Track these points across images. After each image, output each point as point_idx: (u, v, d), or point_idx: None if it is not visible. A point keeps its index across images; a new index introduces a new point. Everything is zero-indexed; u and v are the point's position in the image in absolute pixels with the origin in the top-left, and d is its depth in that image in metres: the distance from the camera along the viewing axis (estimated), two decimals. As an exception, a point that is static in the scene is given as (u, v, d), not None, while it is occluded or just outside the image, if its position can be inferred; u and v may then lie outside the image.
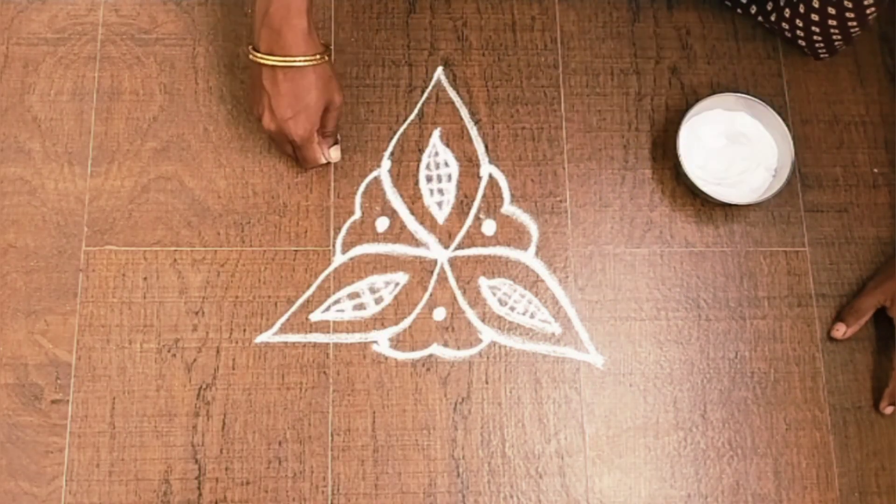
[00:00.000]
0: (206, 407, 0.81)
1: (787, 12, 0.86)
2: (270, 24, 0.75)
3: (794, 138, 0.87)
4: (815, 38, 0.86)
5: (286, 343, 0.83)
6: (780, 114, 0.87)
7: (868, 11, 0.79)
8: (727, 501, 0.81)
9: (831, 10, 0.81)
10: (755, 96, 0.88)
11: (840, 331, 0.84)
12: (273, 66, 0.76)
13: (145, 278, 0.84)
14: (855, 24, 0.82)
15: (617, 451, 0.82)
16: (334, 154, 0.85)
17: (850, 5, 0.79)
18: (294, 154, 0.84)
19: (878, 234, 0.88)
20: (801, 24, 0.85)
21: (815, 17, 0.83)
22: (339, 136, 0.86)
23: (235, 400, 0.81)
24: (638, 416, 0.83)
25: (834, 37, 0.85)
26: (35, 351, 0.82)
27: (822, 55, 0.90)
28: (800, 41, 0.88)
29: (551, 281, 0.86)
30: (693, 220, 0.88)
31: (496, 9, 0.93)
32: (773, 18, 0.89)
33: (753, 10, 0.91)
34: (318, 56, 0.76)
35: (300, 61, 0.75)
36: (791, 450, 0.82)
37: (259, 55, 0.76)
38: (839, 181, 0.90)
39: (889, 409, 0.82)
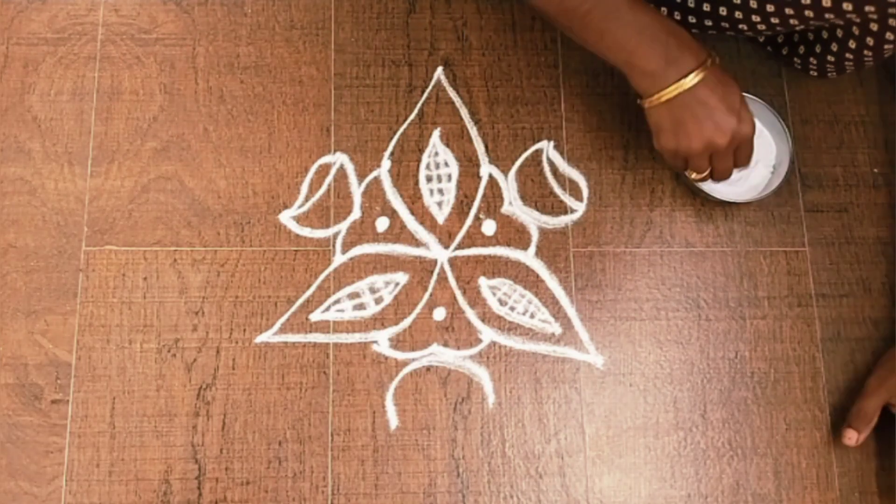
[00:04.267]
0: (206, 407, 0.81)
1: (801, 48, 0.86)
2: (664, 53, 0.70)
3: (793, 138, 0.87)
4: (827, 66, 0.87)
5: (286, 343, 0.83)
6: (780, 113, 0.87)
7: (886, 48, 0.78)
8: (727, 501, 0.81)
9: (852, 45, 0.80)
10: (754, 95, 0.88)
11: (853, 438, 0.80)
12: (693, 86, 0.71)
13: (145, 278, 0.84)
14: (870, 56, 0.80)
15: (617, 451, 0.82)
16: None
17: (871, 42, 0.78)
18: (709, 169, 0.79)
19: (878, 234, 0.88)
20: (818, 52, 0.85)
21: (834, 47, 0.83)
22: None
23: (235, 400, 0.81)
24: (638, 416, 0.83)
25: (847, 65, 0.84)
26: (35, 351, 0.82)
27: (829, 76, 0.89)
28: (811, 69, 0.89)
29: (551, 281, 0.86)
30: (693, 220, 0.88)
31: (496, 9, 0.93)
32: (797, 59, 0.89)
33: (785, 51, 0.90)
34: (709, 59, 0.72)
35: (709, 64, 0.71)
36: (791, 450, 0.82)
37: (674, 86, 0.71)
38: (839, 181, 0.90)
39: (851, 437, 0.80)
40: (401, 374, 0.82)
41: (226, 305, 0.84)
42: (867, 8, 0.70)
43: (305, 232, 0.86)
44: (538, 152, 0.89)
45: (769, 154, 0.88)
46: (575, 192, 0.88)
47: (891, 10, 0.71)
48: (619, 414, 0.83)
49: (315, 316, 0.84)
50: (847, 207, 0.89)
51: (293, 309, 0.84)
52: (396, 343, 0.83)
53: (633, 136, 0.90)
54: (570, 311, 0.85)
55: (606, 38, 0.72)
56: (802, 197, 0.89)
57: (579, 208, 0.88)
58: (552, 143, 0.89)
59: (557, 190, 0.88)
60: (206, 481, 0.80)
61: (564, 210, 0.88)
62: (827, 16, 0.73)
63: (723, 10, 0.79)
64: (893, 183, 0.90)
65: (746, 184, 0.87)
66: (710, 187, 0.86)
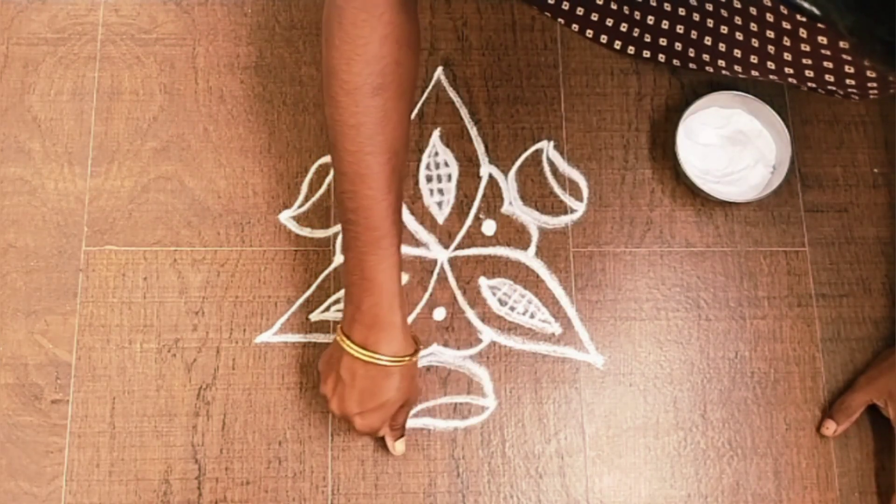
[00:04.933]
0: (206, 407, 0.81)
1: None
2: (363, 320, 0.70)
3: (793, 138, 0.87)
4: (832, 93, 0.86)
5: (286, 343, 0.83)
6: (780, 114, 0.87)
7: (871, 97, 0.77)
8: (727, 501, 0.81)
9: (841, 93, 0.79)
10: (754, 95, 0.88)
11: (830, 429, 0.81)
12: (355, 358, 0.70)
13: (145, 278, 0.84)
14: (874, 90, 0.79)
15: (617, 451, 0.82)
16: (399, 447, 0.78)
17: (855, 98, 0.77)
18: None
19: (878, 234, 0.88)
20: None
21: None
22: (405, 430, 0.79)
23: (235, 400, 0.81)
24: (638, 416, 0.83)
25: (853, 96, 0.85)
26: (35, 351, 0.82)
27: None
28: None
29: (551, 281, 0.86)
30: (693, 220, 0.88)
31: (496, 9, 0.93)
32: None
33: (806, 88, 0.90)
34: (408, 357, 0.71)
35: (387, 360, 0.70)
36: (791, 450, 0.82)
37: (348, 343, 0.70)
38: (839, 181, 0.90)
39: (829, 428, 0.81)
40: (401, 374, 0.82)
41: (226, 305, 0.84)
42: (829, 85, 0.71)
43: (305, 232, 0.86)
44: (538, 152, 0.89)
45: (769, 153, 0.88)
46: (575, 192, 0.88)
47: (851, 93, 0.71)
48: (619, 414, 0.83)
49: (315, 316, 0.84)
50: (847, 207, 0.89)
51: (293, 309, 0.84)
52: (396, 343, 0.83)
53: (633, 136, 0.90)
54: (570, 311, 0.85)
55: (346, 255, 0.71)
56: (802, 197, 0.89)
57: (579, 208, 0.88)
58: (552, 143, 0.89)
59: (557, 190, 0.88)
60: (206, 481, 0.80)
61: (564, 210, 0.88)
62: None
63: (706, 57, 0.80)
64: (893, 183, 0.90)
65: (746, 184, 0.87)
66: (710, 187, 0.86)
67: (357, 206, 0.68)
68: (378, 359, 0.70)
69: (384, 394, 0.71)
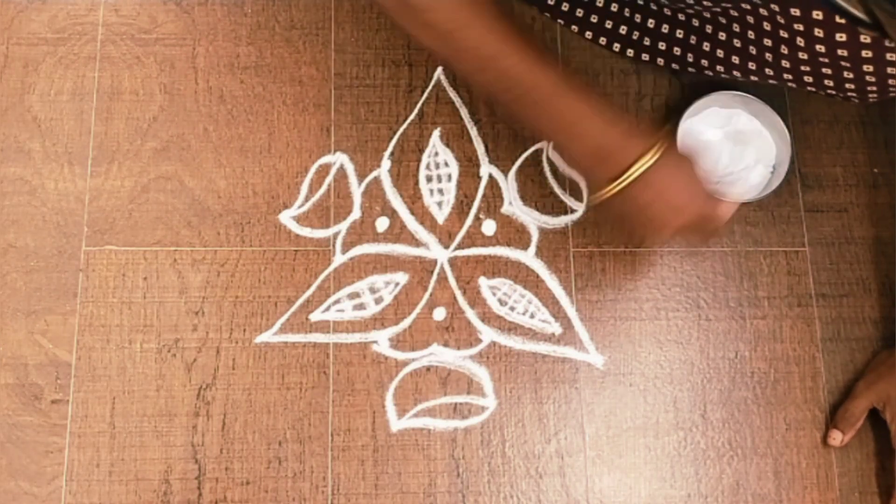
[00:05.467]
0: (206, 407, 0.81)
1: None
2: (601, 155, 0.70)
3: (793, 137, 0.87)
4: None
5: (286, 343, 0.83)
6: (780, 114, 0.87)
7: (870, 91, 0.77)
8: (727, 501, 0.81)
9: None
10: (754, 96, 0.88)
11: (837, 439, 0.81)
12: (639, 176, 0.70)
13: (145, 278, 0.84)
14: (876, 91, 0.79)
15: (617, 451, 0.82)
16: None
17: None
18: (703, 230, 0.77)
19: (878, 234, 0.88)
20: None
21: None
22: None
23: (235, 400, 0.81)
24: (638, 416, 0.83)
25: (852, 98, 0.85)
26: (35, 351, 0.82)
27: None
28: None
29: (551, 281, 0.86)
30: (693, 220, 0.88)
31: (496, 9, 0.93)
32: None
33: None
34: (657, 141, 0.70)
35: (655, 151, 0.69)
36: (791, 450, 0.82)
37: (617, 182, 0.70)
38: (839, 181, 0.90)
39: (836, 438, 0.81)
40: (401, 374, 0.82)
41: (226, 305, 0.84)
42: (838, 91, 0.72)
43: (305, 232, 0.86)
44: (538, 152, 0.89)
45: (769, 154, 0.88)
46: (575, 192, 0.88)
47: (850, 97, 0.72)
48: (619, 414, 0.83)
49: (315, 316, 0.84)
50: (847, 207, 0.89)
51: (293, 309, 0.84)
52: (396, 343, 0.83)
53: (633, 136, 0.90)
54: (570, 311, 0.85)
55: (541, 125, 0.71)
56: (802, 197, 0.89)
57: (579, 208, 0.88)
58: (552, 143, 0.89)
59: (557, 190, 0.88)
60: (206, 481, 0.80)
61: (564, 210, 0.88)
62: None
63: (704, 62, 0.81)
64: (893, 183, 0.90)
65: (746, 184, 0.87)
66: (710, 187, 0.85)
67: (510, 84, 0.69)
68: (650, 157, 0.69)
69: (685, 165, 0.72)
